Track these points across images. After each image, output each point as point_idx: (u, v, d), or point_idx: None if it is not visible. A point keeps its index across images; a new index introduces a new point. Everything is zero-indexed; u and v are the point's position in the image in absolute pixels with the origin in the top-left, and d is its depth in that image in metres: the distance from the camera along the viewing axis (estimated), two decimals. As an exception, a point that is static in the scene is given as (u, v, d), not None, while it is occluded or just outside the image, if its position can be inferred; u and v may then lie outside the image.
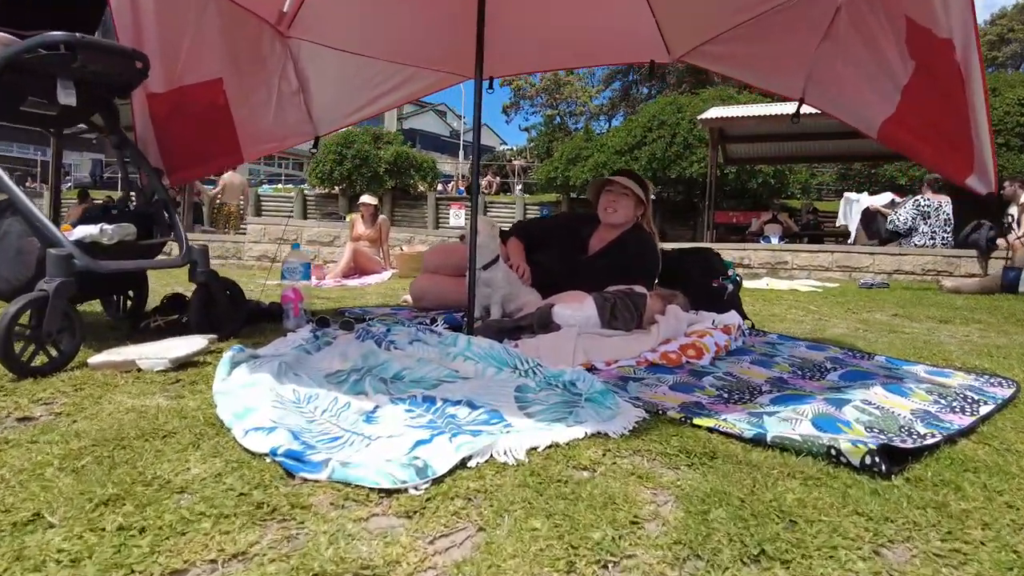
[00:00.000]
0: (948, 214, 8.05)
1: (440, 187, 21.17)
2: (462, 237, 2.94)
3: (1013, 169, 12.36)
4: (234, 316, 2.47)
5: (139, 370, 1.88)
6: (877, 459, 1.23)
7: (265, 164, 33.61)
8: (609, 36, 3.25)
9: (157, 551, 0.91)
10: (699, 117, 11.77)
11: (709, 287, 2.94)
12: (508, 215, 17.91)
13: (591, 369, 1.98)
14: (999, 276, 5.85)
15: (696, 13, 2.98)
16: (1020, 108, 13.74)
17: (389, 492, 1.11)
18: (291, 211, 18.99)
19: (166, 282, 4.07)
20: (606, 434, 1.43)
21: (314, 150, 3.36)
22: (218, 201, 12.20)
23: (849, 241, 9.91)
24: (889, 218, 8.51)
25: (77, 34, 2.01)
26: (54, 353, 1.89)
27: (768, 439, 1.38)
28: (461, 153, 34.10)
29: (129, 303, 2.74)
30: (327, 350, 2.14)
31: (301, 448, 1.25)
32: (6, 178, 1.97)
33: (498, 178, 21.67)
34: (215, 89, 2.70)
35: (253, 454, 1.26)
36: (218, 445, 1.31)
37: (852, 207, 9.90)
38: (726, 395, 1.79)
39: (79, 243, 2.03)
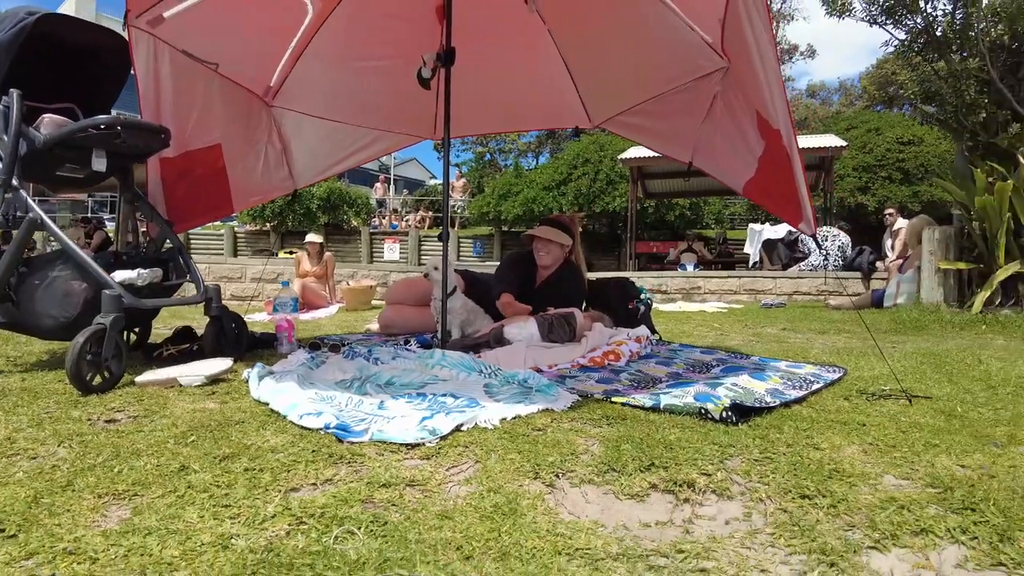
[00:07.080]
0: (842, 243, 9.26)
1: (376, 221, 21.45)
2: (426, 275, 3.53)
3: (894, 200, 13.98)
4: (238, 344, 2.95)
5: (180, 386, 2.35)
6: (730, 413, 1.88)
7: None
8: (540, 104, 3.97)
9: (277, 480, 1.44)
10: (619, 157, 12.79)
11: (626, 308, 3.62)
12: (439, 251, 18.38)
13: (538, 371, 2.58)
14: (870, 295, 6.90)
15: (610, 91, 3.74)
16: (899, 146, 15.56)
17: (413, 445, 1.67)
18: (221, 249, 18.80)
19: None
20: (551, 409, 2.04)
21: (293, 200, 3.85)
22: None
23: (750, 266, 11.07)
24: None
25: (121, 116, 2.50)
26: (107, 375, 2.34)
27: (661, 407, 2.02)
28: (392, 187, 34.40)
29: (134, 337, 3.16)
30: (325, 367, 2.66)
31: (345, 423, 1.79)
32: (61, 234, 2.42)
33: (430, 213, 22.22)
34: (215, 153, 3.19)
35: (309, 430, 1.79)
36: (280, 426, 1.83)
37: (756, 237, 11.07)
38: (636, 384, 2.43)
39: (123, 284, 2.49)
